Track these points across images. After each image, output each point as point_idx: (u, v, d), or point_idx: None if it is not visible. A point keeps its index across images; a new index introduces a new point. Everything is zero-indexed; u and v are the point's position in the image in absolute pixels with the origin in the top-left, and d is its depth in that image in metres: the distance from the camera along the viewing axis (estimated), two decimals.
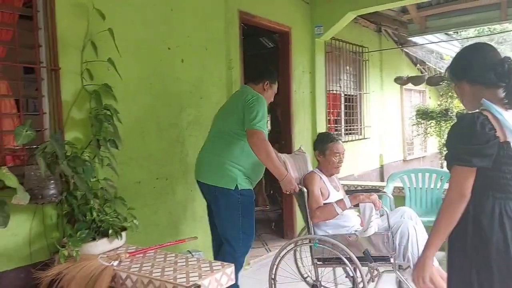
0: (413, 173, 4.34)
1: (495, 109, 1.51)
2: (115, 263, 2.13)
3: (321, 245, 2.58)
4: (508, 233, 1.50)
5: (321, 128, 5.11)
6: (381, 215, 2.81)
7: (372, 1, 4.69)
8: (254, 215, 2.87)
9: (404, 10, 5.86)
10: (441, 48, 8.10)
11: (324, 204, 2.70)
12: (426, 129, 8.27)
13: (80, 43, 2.51)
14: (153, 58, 3.07)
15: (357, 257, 2.50)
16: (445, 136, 6.79)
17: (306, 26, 4.94)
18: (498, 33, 10.89)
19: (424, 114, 7.72)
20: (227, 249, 2.75)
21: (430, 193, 4.16)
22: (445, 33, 7.21)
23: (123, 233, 2.42)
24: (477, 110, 1.56)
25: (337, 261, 2.58)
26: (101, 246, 2.31)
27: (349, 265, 2.49)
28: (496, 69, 1.56)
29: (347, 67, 6.13)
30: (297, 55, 4.76)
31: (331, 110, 5.68)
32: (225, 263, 2.08)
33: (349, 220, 2.74)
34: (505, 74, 1.54)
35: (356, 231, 2.66)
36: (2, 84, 2.27)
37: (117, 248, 2.39)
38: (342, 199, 2.64)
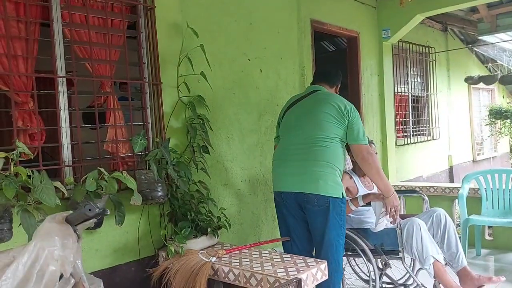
0: (489, 174, 4.26)
1: None
2: (213, 259, 2.35)
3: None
4: None
5: (390, 129, 5.14)
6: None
7: (441, 3, 4.66)
8: None
9: (473, 9, 5.73)
10: None
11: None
12: (501, 128, 7.96)
13: (176, 59, 2.77)
14: (235, 69, 3.30)
15: (371, 250, 2.82)
16: None
17: (373, 30, 5.01)
18: None
19: (498, 114, 7.44)
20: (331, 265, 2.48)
21: (507, 194, 4.08)
22: None
23: (219, 232, 2.65)
24: None
25: (356, 252, 2.86)
26: (201, 243, 2.55)
27: (363, 256, 2.80)
28: None
29: (414, 68, 6.09)
30: (365, 59, 4.84)
31: (399, 112, 5.68)
32: (319, 260, 2.24)
33: (372, 216, 2.95)
34: None
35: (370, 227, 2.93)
36: (113, 98, 2.57)
37: (214, 245, 2.62)
38: (357, 197, 2.88)
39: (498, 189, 4.14)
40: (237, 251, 2.47)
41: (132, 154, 2.58)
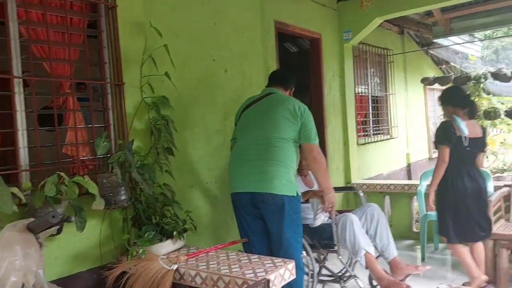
0: None
1: (458, 119, 3.22)
2: (175, 266, 2.28)
3: None
4: (459, 182, 3.20)
5: (352, 129, 5.26)
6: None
7: (399, 7, 4.82)
8: None
9: (428, 13, 5.95)
10: (466, 48, 8.15)
11: None
12: None
13: (139, 59, 2.70)
14: (200, 69, 3.26)
15: (310, 244, 3.03)
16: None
17: (335, 32, 5.10)
18: None
19: None
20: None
21: None
22: (470, 34, 7.27)
23: (185, 235, 2.61)
24: (448, 119, 3.31)
25: None
26: (166, 247, 2.50)
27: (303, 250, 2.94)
28: (466, 101, 3.40)
29: (373, 70, 6.27)
30: (327, 60, 4.92)
31: (360, 112, 5.82)
32: (286, 260, 2.25)
33: (311, 213, 3.11)
34: (467, 102, 3.38)
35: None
36: (72, 99, 2.47)
37: (180, 248, 2.58)
38: None
39: None
40: (204, 254, 2.45)
41: (93, 157, 2.50)
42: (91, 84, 2.50)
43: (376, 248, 3.13)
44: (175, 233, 2.52)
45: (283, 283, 2.15)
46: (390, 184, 4.93)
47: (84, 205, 2.19)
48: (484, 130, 3.41)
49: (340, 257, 3.06)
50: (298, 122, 2.63)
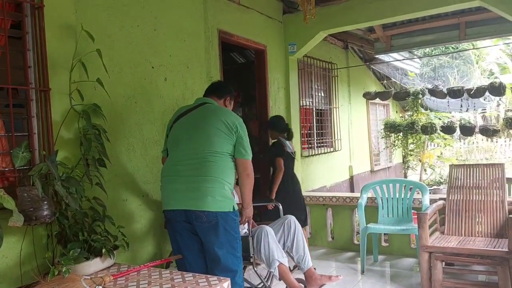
0: (385, 184, 4.55)
1: (282, 139, 4.33)
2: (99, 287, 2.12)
3: None
4: (289, 184, 4.34)
5: (296, 141, 5.27)
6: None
7: (342, 22, 4.92)
8: None
9: (370, 29, 6.15)
10: (405, 65, 8.52)
11: None
12: (394, 141, 8.63)
13: (68, 64, 2.53)
14: (137, 77, 3.12)
15: None
16: (410, 147, 7.48)
17: (280, 44, 5.12)
18: (456, 51, 11.59)
19: (392, 127, 8.06)
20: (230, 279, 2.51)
21: (400, 203, 4.37)
22: (409, 51, 7.61)
23: (115, 252, 2.44)
24: (276, 140, 4.35)
25: None
26: (93, 265, 2.31)
27: None
28: (285, 127, 4.46)
29: (318, 83, 6.36)
30: (272, 72, 4.92)
31: (304, 124, 5.86)
32: (222, 278, 2.15)
33: None
34: (287, 129, 4.47)
35: None
36: None
37: (110, 267, 2.41)
38: None
39: (392, 198, 4.42)
40: (135, 273, 2.29)
41: (13, 169, 2.28)
42: (10, 89, 2.28)
43: (293, 259, 3.22)
44: (104, 250, 2.34)
45: None
46: (332, 197, 4.97)
47: (1, 221, 1.99)
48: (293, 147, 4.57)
49: (255, 269, 3.08)
50: (233, 135, 2.57)
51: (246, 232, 3.16)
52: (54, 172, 2.10)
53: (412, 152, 8.78)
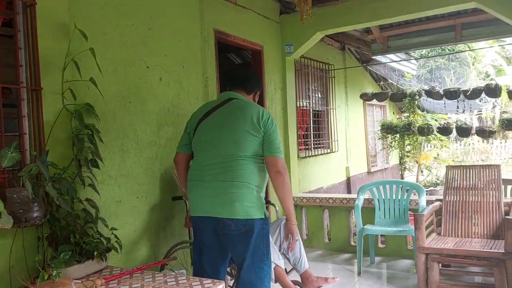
0: (381, 185, 4.53)
1: None
2: None
3: None
4: None
5: (293, 142, 5.24)
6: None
7: (339, 22, 4.89)
8: None
9: (367, 30, 6.13)
10: (402, 66, 8.51)
11: None
12: (391, 142, 8.62)
13: (61, 63, 2.48)
14: (132, 76, 3.08)
15: None
16: (407, 149, 7.48)
17: (277, 45, 5.08)
18: (452, 53, 11.60)
19: (388, 128, 8.05)
20: None
21: (397, 204, 4.35)
22: (406, 53, 7.60)
23: (108, 255, 2.40)
24: None
25: None
26: (85, 268, 2.28)
27: None
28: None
29: (315, 84, 6.33)
30: (269, 73, 4.88)
31: (301, 125, 5.84)
32: (216, 281, 2.11)
33: None
34: None
35: None
36: None
37: (102, 269, 2.37)
38: None
39: (389, 199, 4.40)
40: (127, 275, 2.25)
41: (2, 170, 2.23)
42: (1, 89, 2.23)
43: (289, 261, 3.20)
44: (96, 253, 2.30)
45: None
46: (329, 198, 4.95)
47: None
48: None
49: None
50: (261, 133, 2.34)
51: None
52: (45, 172, 2.06)
53: (408, 154, 8.77)
